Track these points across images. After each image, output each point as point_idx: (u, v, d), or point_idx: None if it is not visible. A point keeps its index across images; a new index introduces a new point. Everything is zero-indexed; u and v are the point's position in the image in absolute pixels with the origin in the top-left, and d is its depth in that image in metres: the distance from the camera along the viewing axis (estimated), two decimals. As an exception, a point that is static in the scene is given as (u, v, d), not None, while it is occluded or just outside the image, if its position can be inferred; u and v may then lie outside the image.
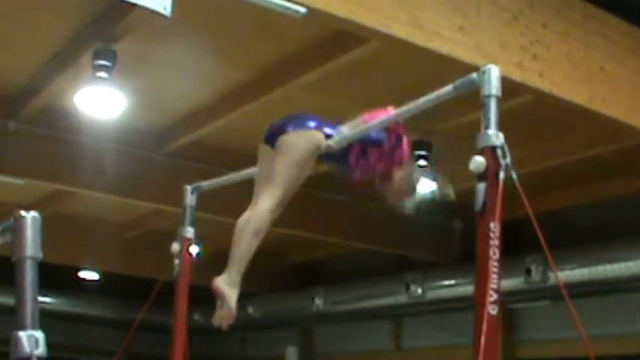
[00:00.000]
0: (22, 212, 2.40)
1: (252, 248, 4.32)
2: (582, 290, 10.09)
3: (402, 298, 12.40)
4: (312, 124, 4.55)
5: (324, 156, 4.57)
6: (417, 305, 12.43)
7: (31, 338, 2.27)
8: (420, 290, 12.04)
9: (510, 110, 7.46)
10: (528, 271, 10.29)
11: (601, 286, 10.05)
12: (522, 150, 8.83)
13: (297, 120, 4.58)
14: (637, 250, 9.50)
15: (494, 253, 3.48)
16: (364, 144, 4.59)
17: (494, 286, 3.46)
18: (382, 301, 12.98)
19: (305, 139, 4.46)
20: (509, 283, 10.42)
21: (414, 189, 4.93)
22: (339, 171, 4.90)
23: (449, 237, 12.40)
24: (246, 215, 4.41)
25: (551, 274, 10.02)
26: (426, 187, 9.64)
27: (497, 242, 3.49)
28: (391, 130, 4.58)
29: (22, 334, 2.26)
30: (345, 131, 4.57)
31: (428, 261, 12.54)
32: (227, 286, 4.28)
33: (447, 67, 6.46)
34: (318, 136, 4.51)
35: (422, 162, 9.11)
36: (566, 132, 8.90)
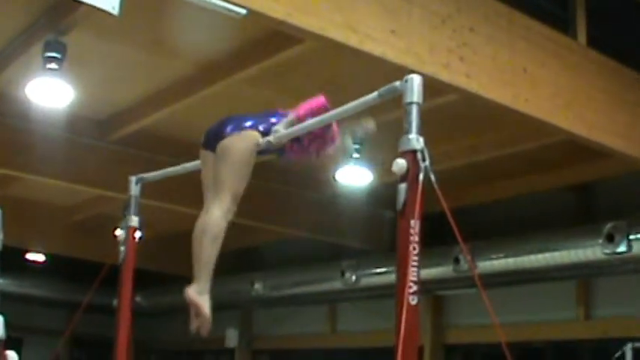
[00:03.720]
0: None
1: (213, 254, 4.52)
2: (509, 279, 10.51)
3: (337, 285, 12.81)
4: (247, 123, 4.75)
5: (262, 150, 4.80)
6: (351, 291, 12.84)
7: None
8: (354, 277, 12.46)
9: (439, 108, 7.79)
10: (457, 260, 10.74)
11: (526, 275, 10.49)
12: (450, 145, 9.21)
13: (233, 122, 4.76)
14: (561, 241, 9.93)
15: (414, 249, 3.71)
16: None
17: (413, 278, 3.72)
18: (318, 287, 13.40)
19: (243, 140, 4.67)
20: (438, 271, 10.87)
21: (347, 151, 5.16)
22: (279, 158, 5.18)
23: (380, 226, 12.74)
24: (200, 223, 4.56)
25: (479, 263, 10.45)
26: (360, 177, 10.01)
27: (416, 238, 3.71)
28: (321, 114, 4.75)
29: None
30: (282, 129, 4.75)
31: (360, 248, 12.92)
32: (198, 295, 4.54)
33: (379, 67, 6.74)
34: (255, 135, 4.72)
35: (355, 154, 9.38)
36: (491, 129, 9.25)
